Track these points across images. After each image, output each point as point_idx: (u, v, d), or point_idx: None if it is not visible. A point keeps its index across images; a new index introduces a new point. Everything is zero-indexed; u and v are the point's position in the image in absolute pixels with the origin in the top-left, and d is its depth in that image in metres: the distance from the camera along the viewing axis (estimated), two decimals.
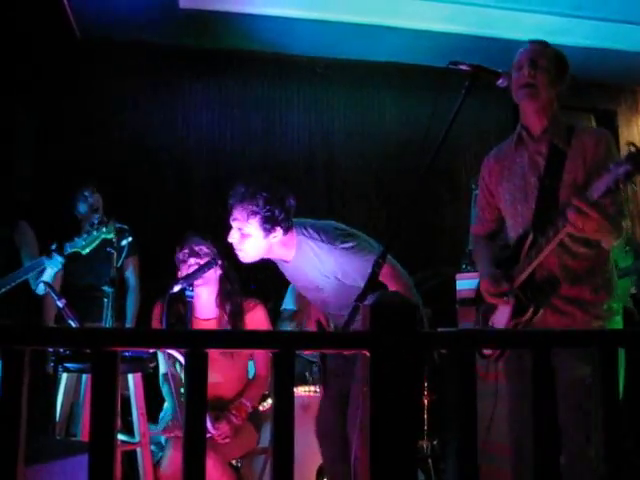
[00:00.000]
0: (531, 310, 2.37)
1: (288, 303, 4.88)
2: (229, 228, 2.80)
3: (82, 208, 4.32)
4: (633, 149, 2.03)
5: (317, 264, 2.75)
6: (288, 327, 4.41)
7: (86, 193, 4.32)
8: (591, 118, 6.37)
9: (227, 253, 3.07)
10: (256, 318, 3.45)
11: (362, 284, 2.52)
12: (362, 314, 1.42)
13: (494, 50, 5.54)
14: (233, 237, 2.77)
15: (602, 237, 2.31)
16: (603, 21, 5.32)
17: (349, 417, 2.74)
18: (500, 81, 2.37)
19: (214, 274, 3.36)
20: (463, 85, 2.33)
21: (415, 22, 5.35)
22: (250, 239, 2.74)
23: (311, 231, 2.78)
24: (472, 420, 1.43)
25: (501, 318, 2.48)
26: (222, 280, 3.41)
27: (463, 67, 2.30)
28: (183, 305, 3.21)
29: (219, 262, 3.20)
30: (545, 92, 2.44)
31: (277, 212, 2.70)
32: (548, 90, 2.44)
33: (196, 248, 3.31)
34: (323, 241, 2.73)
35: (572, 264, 2.38)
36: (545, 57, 2.46)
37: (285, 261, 2.88)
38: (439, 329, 1.51)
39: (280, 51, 5.74)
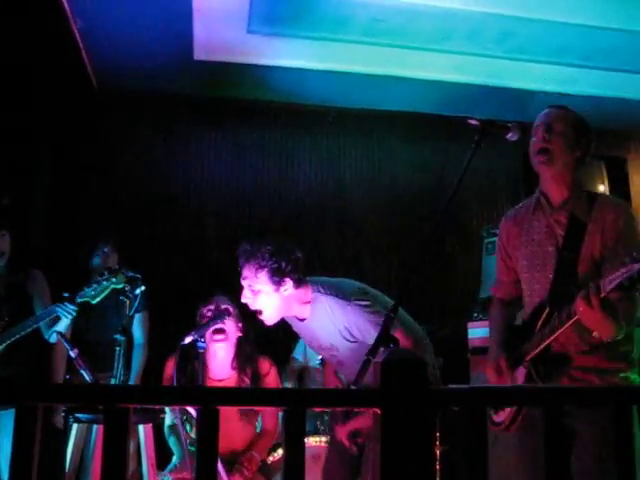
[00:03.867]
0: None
1: (298, 353, 4.86)
2: (241, 288, 2.82)
3: (96, 261, 4.30)
4: None
5: (332, 320, 2.74)
6: (289, 383, 4.37)
7: (105, 249, 4.29)
8: (601, 165, 6.39)
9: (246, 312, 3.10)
10: (272, 384, 3.46)
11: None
12: (373, 371, 1.42)
13: (504, 100, 5.65)
14: (246, 297, 2.79)
15: (598, 331, 2.23)
16: (611, 71, 5.38)
17: (363, 476, 2.72)
18: (510, 135, 2.34)
19: (235, 332, 3.38)
20: (473, 138, 2.34)
21: (425, 72, 5.42)
22: (262, 295, 2.75)
23: (326, 287, 2.79)
24: (484, 475, 1.43)
25: None
26: (240, 342, 3.42)
27: (472, 122, 2.29)
28: (196, 360, 3.20)
29: (230, 314, 3.22)
30: (561, 158, 2.38)
31: (284, 264, 2.73)
32: (565, 155, 2.39)
33: (222, 307, 3.33)
34: (338, 296, 2.73)
35: (589, 334, 2.29)
36: (562, 121, 2.41)
37: (301, 319, 2.86)
38: (450, 385, 1.51)
39: (292, 101, 5.81)
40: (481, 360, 4.25)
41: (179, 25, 4.78)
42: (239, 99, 5.79)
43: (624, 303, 2.22)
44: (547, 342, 2.32)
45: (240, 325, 3.39)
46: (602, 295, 2.09)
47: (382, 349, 1.92)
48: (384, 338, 1.96)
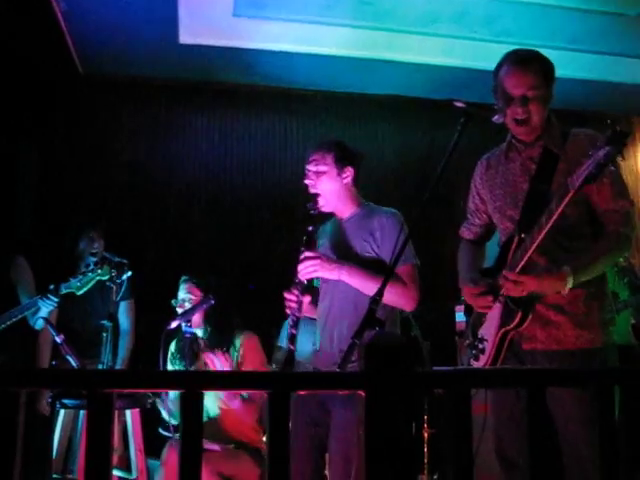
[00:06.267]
0: (519, 316, 2.33)
1: (282, 340, 4.84)
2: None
3: (82, 246, 4.29)
4: (611, 130, 2.02)
5: (368, 223, 2.91)
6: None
7: (92, 235, 4.27)
8: None
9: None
10: (249, 353, 3.50)
11: (383, 256, 2.74)
12: (358, 354, 1.42)
13: (491, 82, 5.63)
14: (310, 178, 2.97)
15: (548, 292, 2.31)
16: (599, 54, 5.38)
17: (332, 469, 2.72)
18: (496, 117, 2.37)
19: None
20: (459, 121, 2.34)
21: (412, 56, 5.40)
22: (324, 178, 2.93)
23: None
24: (468, 458, 1.43)
25: (489, 328, 2.44)
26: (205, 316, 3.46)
27: (458, 105, 2.30)
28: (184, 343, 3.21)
29: (212, 301, 3.24)
30: (538, 117, 2.41)
31: (348, 153, 2.99)
32: (541, 113, 2.41)
33: (190, 291, 3.47)
34: (386, 209, 3.00)
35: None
36: (535, 86, 2.39)
37: (340, 218, 3.01)
38: (435, 368, 1.51)
39: (279, 85, 5.79)
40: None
41: (164, 8, 4.73)
42: (225, 83, 5.76)
43: (583, 256, 2.31)
44: (520, 267, 2.32)
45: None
46: (571, 192, 2.14)
47: (367, 332, 1.92)
48: (369, 320, 1.96)
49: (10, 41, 4.66)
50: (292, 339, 2.70)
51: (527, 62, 2.45)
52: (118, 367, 4.20)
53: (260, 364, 3.51)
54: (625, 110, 6.50)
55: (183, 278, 3.58)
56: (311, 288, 2.97)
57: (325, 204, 2.95)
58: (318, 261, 2.77)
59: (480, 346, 2.47)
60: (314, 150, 3.01)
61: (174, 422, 3.21)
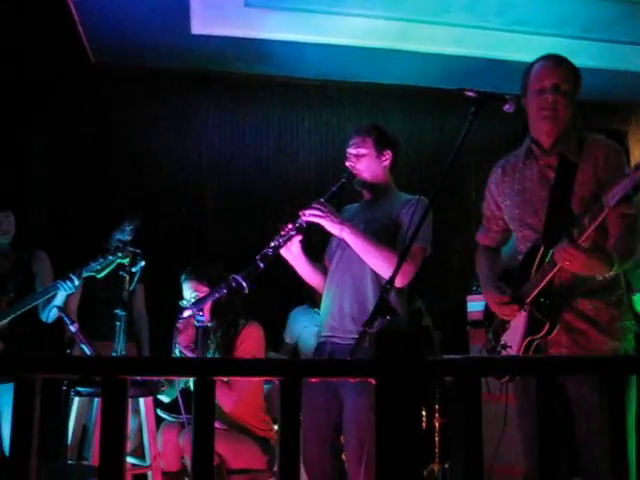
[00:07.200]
0: (547, 326, 2.35)
1: (288, 335, 4.85)
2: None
3: (117, 236, 4.35)
4: None
5: (393, 204, 3.01)
6: None
7: (131, 228, 4.35)
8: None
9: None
10: (245, 341, 3.49)
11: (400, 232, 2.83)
12: (369, 341, 1.44)
13: (504, 72, 5.59)
14: (350, 161, 3.07)
15: (590, 273, 2.32)
16: (612, 43, 5.34)
17: (348, 454, 2.73)
18: (507, 107, 2.36)
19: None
20: (469, 111, 2.34)
21: (425, 45, 5.38)
22: (364, 159, 3.03)
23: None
24: (478, 446, 1.44)
25: (514, 336, 2.46)
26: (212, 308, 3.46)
27: (469, 94, 2.31)
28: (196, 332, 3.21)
29: (225, 290, 3.23)
30: (565, 114, 2.45)
31: (387, 137, 3.10)
32: (567, 112, 2.46)
33: (196, 289, 3.48)
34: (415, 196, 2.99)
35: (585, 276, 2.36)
36: (567, 80, 2.46)
37: (371, 199, 3.10)
38: (445, 356, 1.52)
39: (291, 75, 5.79)
40: (480, 332, 4.29)
41: None
42: (237, 73, 5.76)
43: (623, 239, 2.32)
44: (544, 282, 2.36)
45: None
46: (606, 210, 2.16)
47: (379, 320, 1.93)
48: (381, 309, 1.97)
49: (23, 31, 4.68)
50: (264, 257, 2.81)
51: (560, 59, 2.52)
52: (145, 345, 4.50)
53: (249, 354, 3.42)
54: (637, 99, 6.46)
55: (183, 277, 3.54)
56: (307, 234, 3.03)
57: (362, 176, 3.04)
58: (327, 210, 2.87)
59: (504, 353, 2.49)
60: (354, 134, 3.10)
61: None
